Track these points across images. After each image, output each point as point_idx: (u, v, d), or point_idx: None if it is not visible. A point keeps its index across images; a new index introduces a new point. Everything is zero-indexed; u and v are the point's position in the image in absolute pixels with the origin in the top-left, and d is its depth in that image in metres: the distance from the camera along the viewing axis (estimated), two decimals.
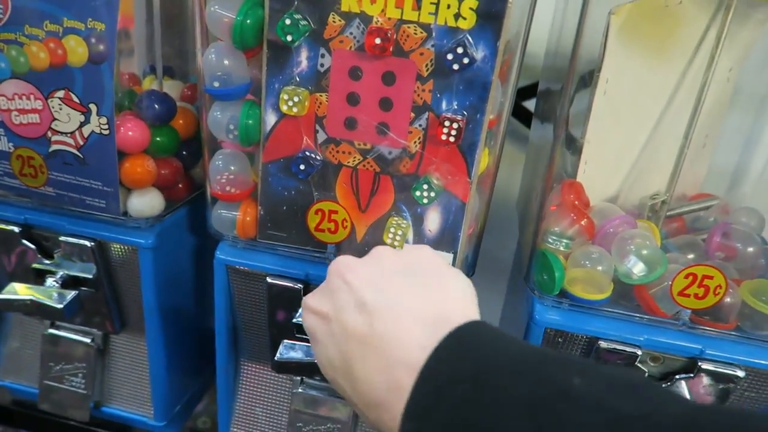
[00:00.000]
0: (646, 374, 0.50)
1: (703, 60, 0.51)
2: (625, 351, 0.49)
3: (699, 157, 0.60)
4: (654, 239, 0.49)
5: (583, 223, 0.49)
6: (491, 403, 0.27)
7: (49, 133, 0.54)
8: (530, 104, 0.88)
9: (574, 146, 0.54)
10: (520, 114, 0.90)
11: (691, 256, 0.53)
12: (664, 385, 0.50)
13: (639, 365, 0.50)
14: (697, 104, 0.52)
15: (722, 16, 0.49)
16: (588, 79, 0.52)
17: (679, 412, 0.25)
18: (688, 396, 0.49)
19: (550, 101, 0.64)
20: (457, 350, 0.30)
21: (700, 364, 0.49)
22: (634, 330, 0.50)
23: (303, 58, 0.46)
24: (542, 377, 0.28)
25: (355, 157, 0.48)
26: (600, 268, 0.48)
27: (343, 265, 0.39)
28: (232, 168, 0.51)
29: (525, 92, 0.88)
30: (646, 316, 0.50)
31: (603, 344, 0.49)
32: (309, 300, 0.40)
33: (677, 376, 0.50)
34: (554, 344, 0.51)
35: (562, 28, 0.60)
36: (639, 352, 0.49)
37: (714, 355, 0.49)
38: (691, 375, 0.49)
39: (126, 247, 0.58)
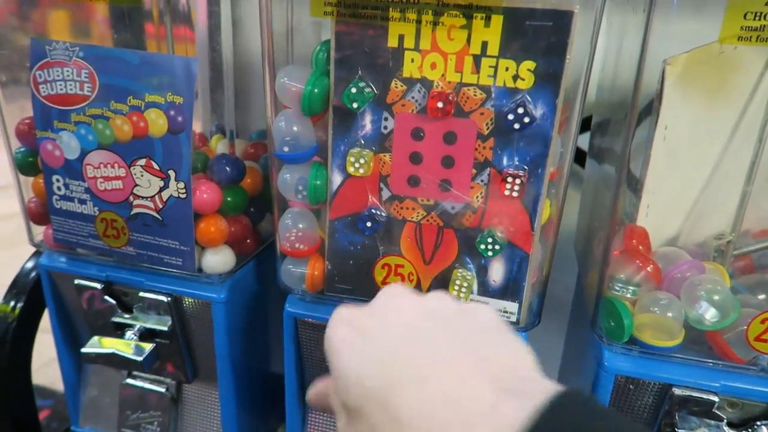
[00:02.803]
0: (725, 421, 0.49)
1: (762, 99, 0.51)
2: (701, 398, 0.48)
3: (763, 194, 0.59)
4: (725, 283, 0.48)
5: (649, 269, 0.49)
6: None
7: (131, 198, 0.58)
8: (583, 138, 0.88)
9: (633, 183, 0.54)
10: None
11: (762, 297, 0.52)
12: None
13: (717, 411, 0.49)
14: (759, 143, 0.52)
15: None
16: (645, 114, 0.52)
17: None
18: None
19: (605, 137, 0.65)
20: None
21: None
22: (709, 376, 0.49)
23: (367, 121, 0.49)
24: None
25: (419, 213, 0.50)
26: (670, 314, 0.48)
27: (398, 290, 0.34)
28: (301, 226, 0.54)
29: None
30: (721, 362, 0.49)
31: (677, 391, 0.49)
32: (346, 311, 0.33)
33: (758, 423, 0.49)
34: (625, 392, 0.51)
35: (617, 64, 0.61)
36: (716, 399, 0.48)
37: None
38: None
39: (200, 302, 0.61)
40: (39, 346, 0.81)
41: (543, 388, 0.25)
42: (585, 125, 0.86)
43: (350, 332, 0.31)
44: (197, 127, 0.73)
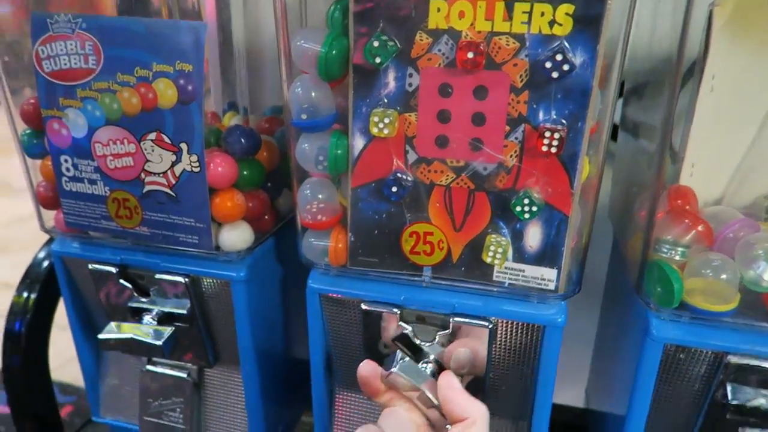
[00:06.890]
0: None
1: None
2: (758, 366, 0.45)
3: None
4: None
5: (700, 228, 0.45)
6: None
7: (143, 175, 0.55)
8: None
9: (671, 150, 0.51)
10: None
11: None
12: None
13: None
14: None
15: None
16: (686, 77, 0.49)
17: None
18: None
19: (642, 101, 0.61)
20: None
21: None
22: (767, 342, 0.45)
23: (390, 79, 0.45)
24: None
25: (448, 176, 0.47)
26: (724, 276, 0.44)
27: None
28: (321, 196, 0.51)
29: None
30: None
31: (732, 359, 0.45)
32: None
33: None
34: (675, 361, 0.48)
35: (654, 25, 0.57)
36: None
37: None
38: None
39: (218, 281, 0.59)
40: (60, 342, 0.80)
41: None
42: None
43: None
44: (209, 105, 0.70)
